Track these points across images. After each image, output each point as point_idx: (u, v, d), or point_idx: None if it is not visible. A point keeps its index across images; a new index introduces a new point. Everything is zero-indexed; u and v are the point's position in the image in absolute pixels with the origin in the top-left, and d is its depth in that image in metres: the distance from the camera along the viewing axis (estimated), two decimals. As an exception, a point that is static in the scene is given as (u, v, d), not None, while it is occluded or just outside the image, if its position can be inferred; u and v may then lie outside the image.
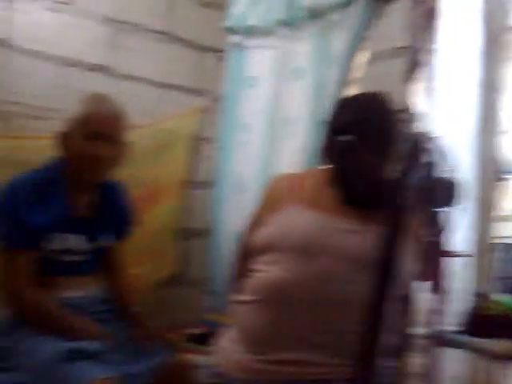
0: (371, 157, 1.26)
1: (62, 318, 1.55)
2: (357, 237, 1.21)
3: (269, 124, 2.26)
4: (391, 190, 1.12)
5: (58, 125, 2.06)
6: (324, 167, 1.37)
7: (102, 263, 1.82)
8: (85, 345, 1.46)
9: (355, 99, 1.40)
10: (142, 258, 2.24)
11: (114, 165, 1.70)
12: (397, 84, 1.71)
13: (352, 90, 1.96)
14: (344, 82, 1.91)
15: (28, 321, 1.54)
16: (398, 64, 1.77)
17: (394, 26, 1.82)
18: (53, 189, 1.63)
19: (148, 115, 2.38)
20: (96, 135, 1.62)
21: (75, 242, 1.66)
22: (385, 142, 1.31)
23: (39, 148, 1.97)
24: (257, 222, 1.34)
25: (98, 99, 1.68)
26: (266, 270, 1.23)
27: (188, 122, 2.50)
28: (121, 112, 1.69)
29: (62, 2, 2.17)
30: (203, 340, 2.10)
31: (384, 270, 1.08)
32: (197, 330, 2.26)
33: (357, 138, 1.28)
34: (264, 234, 1.28)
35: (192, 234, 2.58)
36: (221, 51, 2.58)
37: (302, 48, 2.16)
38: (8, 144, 1.97)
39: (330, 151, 1.32)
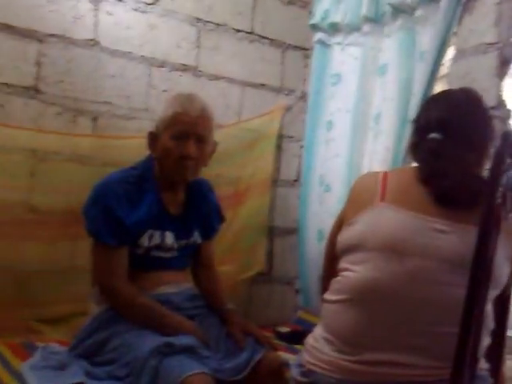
0: (463, 155, 1.22)
1: (157, 313, 1.59)
2: (447, 236, 1.18)
3: (353, 122, 2.24)
4: (484, 188, 1.09)
5: (144, 124, 2.14)
6: (411, 165, 1.35)
7: (192, 260, 1.86)
8: (179, 340, 1.49)
9: (446, 96, 1.35)
10: (230, 256, 2.28)
11: (202, 164, 1.72)
12: (486, 80, 1.64)
13: (439, 87, 1.90)
14: (431, 78, 1.85)
15: (124, 315, 1.60)
16: (487, 60, 1.71)
17: (482, 21, 1.75)
18: (146, 187, 1.67)
19: (233, 114, 2.43)
20: (184, 135, 1.64)
21: (166, 239, 1.69)
22: (477, 140, 1.27)
23: (126, 147, 2.06)
24: (343, 221, 1.33)
25: (187, 98, 1.68)
26: (354, 270, 1.23)
27: (273, 120, 2.51)
28: (210, 111, 1.69)
29: (147, 3, 2.22)
30: (293, 338, 2.12)
31: (480, 270, 1.05)
32: (287, 328, 2.27)
33: (449, 136, 1.24)
34: (351, 233, 1.27)
35: (281, 232, 2.60)
36: (306, 49, 2.59)
37: (387, 44, 2.12)
38: (96, 143, 2.05)
39: (420, 149, 1.29)
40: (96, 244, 1.62)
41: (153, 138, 1.69)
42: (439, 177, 1.19)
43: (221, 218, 1.91)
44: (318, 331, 1.28)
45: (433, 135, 1.25)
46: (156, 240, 1.68)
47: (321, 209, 2.39)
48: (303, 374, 1.24)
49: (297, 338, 2.08)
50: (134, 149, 2.02)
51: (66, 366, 1.53)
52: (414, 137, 1.35)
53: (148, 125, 2.18)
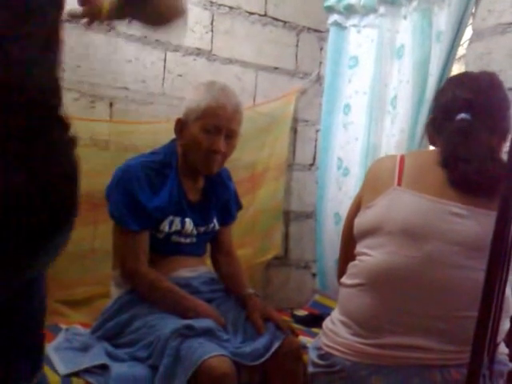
0: (489, 138, 1.21)
1: (178, 296, 1.62)
2: (464, 221, 1.17)
3: (371, 104, 2.22)
4: (506, 172, 1.08)
5: (161, 109, 2.14)
6: (428, 149, 1.34)
7: (212, 246, 1.89)
8: (199, 323, 1.52)
9: (472, 78, 1.33)
10: (246, 240, 2.29)
11: (228, 157, 1.73)
12: (503, 61, 1.62)
13: (456, 68, 1.87)
14: (448, 59, 1.83)
15: (145, 298, 1.63)
16: (505, 40, 1.69)
17: (499, 1, 1.72)
18: (167, 173, 1.68)
19: (248, 98, 2.41)
20: (217, 129, 1.64)
21: (186, 225, 1.71)
22: (500, 124, 1.26)
23: (143, 132, 2.07)
24: (360, 204, 1.33)
25: (222, 91, 1.67)
26: (371, 254, 1.23)
27: (288, 104, 2.49)
28: (242, 105, 1.69)
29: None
30: (310, 321, 2.13)
31: (499, 253, 1.04)
32: (304, 312, 2.28)
33: (476, 118, 1.23)
34: (368, 217, 1.27)
35: (297, 216, 2.60)
36: (320, 31, 2.56)
37: (404, 26, 2.09)
38: (114, 128, 2.06)
39: (446, 129, 1.27)
40: (118, 228, 1.65)
41: (181, 125, 1.69)
42: (465, 160, 1.18)
43: (238, 205, 1.93)
44: (336, 315, 1.29)
45: (462, 115, 1.24)
46: (176, 226, 1.69)
47: (339, 192, 2.38)
48: (321, 356, 1.26)
49: (313, 321, 2.10)
50: (150, 134, 2.04)
51: (89, 347, 1.57)
52: (437, 116, 1.33)
53: (164, 110, 2.19)
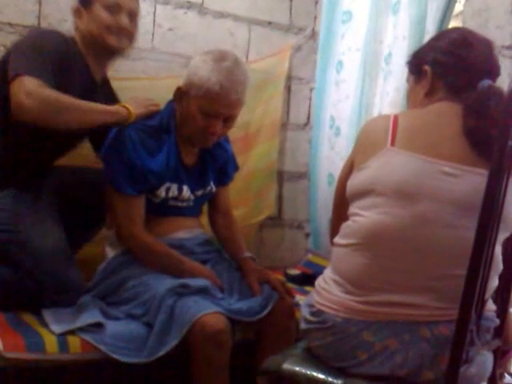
0: (489, 97, 1.20)
1: (173, 259, 1.63)
2: (458, 180, 1.17)
3: (363, 61, 2.18)
4: (501, 131, 1.07)
5: (150, 65, 2.10)
6: (422, 108, 1.32)
7: (209, 207, 1.88)
8: (194, 281, 1.54)
9: (478, 39, 1.30)
10: (240, 201, 2.29)
11: (225, 134, 1.71)
12: (501, 18, 1.58)
13: (453, 25, 1.84)
14: (444, 16, 1.79)
15: (141, 259, 1.64)
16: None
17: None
18: (164, 138, 1.66)
19: (241, 54, 2.35)
20: (215, 114, 1.60)
21: (183, 192, 1.71)
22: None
23: (133, 89, 2.00)
24: (353, 166, 1.32)
25: (229, 72, 1.57)
26: (363, 215, 1.23)
27: (282, 61, 2.44)
28: (245, 87, 1.61)
29: None
30: (303, 280, 2.16)
31: (489, 211, 1.05)
32: (297, 271, 2.30)
33: (479, 77, 1.23)
34: (361, 178, 1.26)
35: (291, 176, 2.59)
36: (315, -15, 2.50)
37: (400, -21, 2.03)
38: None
39: (465, 92, 1.25)
40: (114, 192, 1.64)
41: (180, 94, 1.64)
42: (484, 127, 1.17)
43: (236, 167, 1.92)
44: (328, 273, 1.30)
45: (488, 81, 1.23)
46: (173, 193, 1.69)
47: (331, 152, 2.37)
48: (313, 313, 1.28)
49: (306, 280, 2.13)
50: (141, 91, 1.99)
51: (83, 306, 1.58)
52: (448, 71, 1.30)
53: (154, 65, 2.15)
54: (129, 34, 1.69)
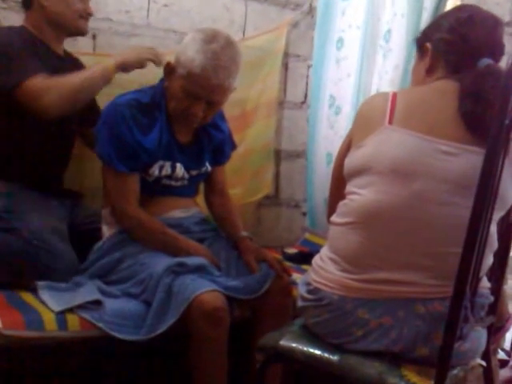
0: (485, 77, 1.19)
1: (169, 237, 1.63)
2: (454, 158, 1.17)
3: (364, 39, 2.16)
4: (498, 110, 1.07)
5: (146, 41, 2.07)
6: (421, 86, 1.31)
7: (205, 187, 1.87)
8: (191, 260, 1.54)
9: (482, 17, 1.29)
10: (236, 179, 2.28)
11: (211, 116, 1.68)
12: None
13: (452, 2, 1.81)
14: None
15: (136, 237, 1.64)
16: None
17: None
18: (156, 114, 1.64)
19: (238, 31, 2.32)
20: (195, 96, 1.58)
21: (177, 170, 1.70)
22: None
23: None
24: (351, 144, 1.32)
25: (215, 56, 1.54)
26: (360, 193, 1.23)
27: (279, 37, 2.40)
28: (233, 73, 1.58)
29: None
30: (300, 259, 2.16)
31: (485, 190, 1.05)
32: (294, 250, 2.31)
33: (481, 56, 1.22)
34: (358, 156, 1.26)
35: (288, 155, 2.58)
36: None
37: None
38: (98, 62, 1.93)
39: (466, 71, 1.24)
40: (107, 169, 1.63)
41: (169, 70, 1.63)
42: (480, 110, 1.16)
43: (233, 146, 1.90)
44: (325, 252, 1.31)
45: (488, 61, 1.22)
46: (166, 171, 1.68)
47: (330, 131, 2.35)
48: (309, 291, 1.29)
49: (303, 258, 2.14)
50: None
51: (80, 285, 1.58)
52: (434, 55, 1.30)
53: (150, 42, 2.11)
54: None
